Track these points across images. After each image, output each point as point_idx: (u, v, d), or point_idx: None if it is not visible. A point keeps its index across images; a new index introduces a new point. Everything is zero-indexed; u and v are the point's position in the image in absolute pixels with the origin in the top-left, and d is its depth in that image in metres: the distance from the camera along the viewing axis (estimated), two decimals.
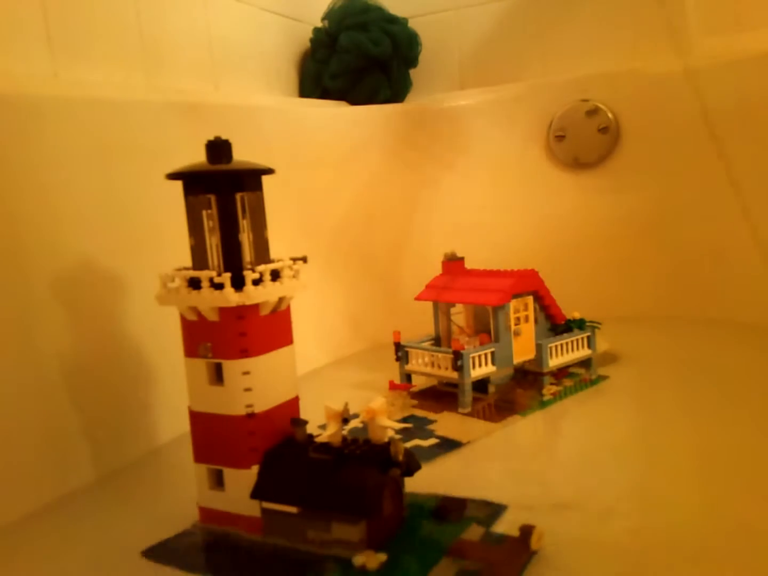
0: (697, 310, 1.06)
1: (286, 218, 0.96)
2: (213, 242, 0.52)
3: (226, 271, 0.51)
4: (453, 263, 0.86)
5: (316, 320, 1.00)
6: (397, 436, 0.53)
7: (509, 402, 0.78)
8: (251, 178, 0.53)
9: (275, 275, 0.53)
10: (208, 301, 0.50)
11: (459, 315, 0.85)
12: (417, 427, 0.73)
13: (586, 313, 0.86)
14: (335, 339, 1.04)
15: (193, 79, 1.00)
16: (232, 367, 0.51)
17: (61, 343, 0.65)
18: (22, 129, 0.64)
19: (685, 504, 0.54)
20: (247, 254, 0.53)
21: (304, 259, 0.56)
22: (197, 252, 0.53)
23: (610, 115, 1.14)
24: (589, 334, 0.85)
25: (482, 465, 0.64)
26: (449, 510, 0.53)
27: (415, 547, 0.49)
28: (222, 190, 0.51)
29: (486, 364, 0.77)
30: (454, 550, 0.48)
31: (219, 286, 0.50)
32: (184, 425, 0.54)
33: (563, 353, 0.83)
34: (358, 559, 0.47)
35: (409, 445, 0.67)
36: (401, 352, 0.83)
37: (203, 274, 0.50)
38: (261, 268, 0.51)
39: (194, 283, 0.51)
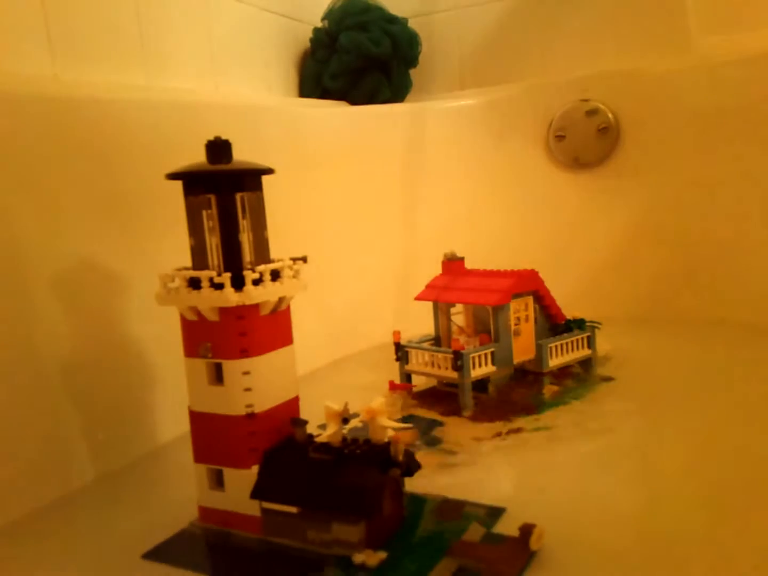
0: (697, 310, 1.06)
1: (286, 218, 0.96)
2: (213, 242, 0.52)
3: (226, 271, 0.51)
4: (453, 263, 0.86)
5: (316, 320, 1.00)
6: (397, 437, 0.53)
7: (509, 402, 0.78)
8: (251, 178, 0.53)
9: (275, 275, 0.53)
10: (208, 301, 0.50)
11: (459, 315, 0.85)
12: (417, 427, 0.73)
13: (586, 313, 0.86)
14: (335, 339, 1.04)
15: (193, 79, 1.00)
16: (232, 367, 0.51)
17: (61, 343, 0.65)
18: (22, 129, 0.64)
19: (685, 504, 0.54)
20: (247, 254, 0.53)
21: (304, 259, 0.56)
22: (197, 252, 0.53)
23: (610, 115, 1.14)
24: (589, 334, 0.85)
25: (482, 465, 0.64)
26: (449, 510, 0.53)
27: (415, 546, 0.49)
28: (222, 190, 0.51)
29: (486, 364, 0.77)
30: (454, 550, 0.48)
31: (219, 286, 0.50)
32: (184, 425, 0.54)
33: (563, 353, 0.83)
34: (358, 557, 0.47)
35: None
36: (401, 352, 0.83)
37: (203, 274, 0.50)
38: (261, 268, 0.51)
39: (194, 283, 0.51)
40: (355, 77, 1.27)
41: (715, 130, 1.05)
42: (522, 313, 0.81)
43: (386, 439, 0.51)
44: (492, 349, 0.78)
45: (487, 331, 0.80)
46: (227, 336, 0.51)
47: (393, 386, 0.85)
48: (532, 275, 0.81)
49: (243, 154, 0.54)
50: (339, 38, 1.25)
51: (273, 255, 0.55)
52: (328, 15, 1.29)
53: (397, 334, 0.83)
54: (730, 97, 1.04)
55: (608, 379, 0.84)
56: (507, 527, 0.51)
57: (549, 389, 0.80)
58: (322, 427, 0.53)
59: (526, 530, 0.48)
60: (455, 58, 1.37)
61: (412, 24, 1.32)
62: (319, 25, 1.30)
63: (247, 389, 0.51)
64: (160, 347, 0.72)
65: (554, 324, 0.85)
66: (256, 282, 0.51)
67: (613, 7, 1.22)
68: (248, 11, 1.14)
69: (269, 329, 0.53)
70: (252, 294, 0.50)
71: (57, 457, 0.64)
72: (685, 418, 0.71)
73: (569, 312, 0.86)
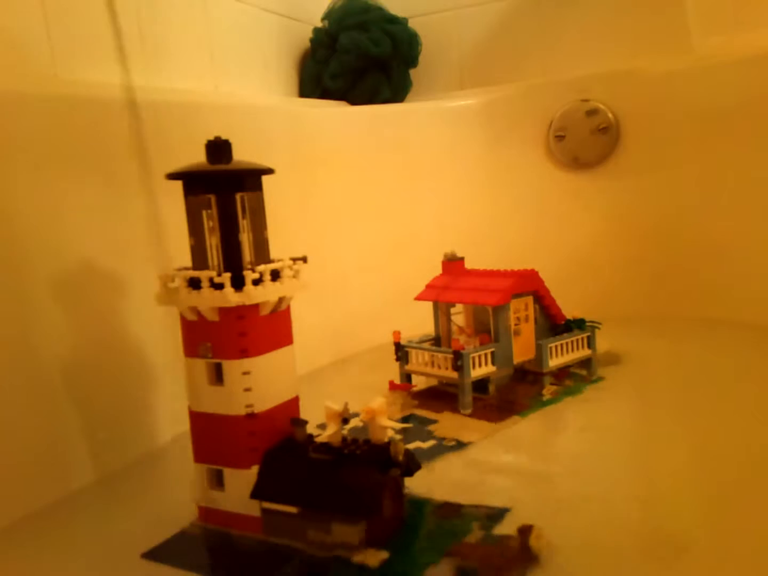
0: (697, 310, 1.06)
1: (286, 218, 0.96)
2: (213, 242, 0.52)
3: (226, 271, 0.51)
4: (453, 263, 0.86)
5: (317, 320, 1.00)
6: (398, 436, 0.53)
7: (509, 402, 0.78)
8: (251, 178, 0.53)
9: (275, 275, 0.53)
10: (208, 301, 0.50)
11: (459, 315, 0.85)
12: (417, 427, 0.73)
13: (586, 313, 0.86)
14: (335, 339, 1.04)
15: (193, 79, 1.00)
16: (232, 367, 0.51)
17: (61, 343, 0.65)
18: (22, 129, 0.64)
19: (685, 504, 0.54)
20: (247, 254, 0.53)
21: (304, 259, 0.56)
22: (197, 252, 0.53)
23: (610, 115, 1.14)
24: (589, 334, 0.85)
25: (482, 465, 0.64)
26: (449, 510, 0.53)
27: (415, 547, 0.49)
28: (222, 190, 0.51)
29: (486, 364, 0.77)
30: (453, 550, 0.48)
31: (219, 286, 0.50)
32: (184, 425, 0.54)
33: (563, 353, 0.83)
34: (358, 557, 0.47)
35: (409, 445, 0.67)
36: (401, 352, 0.83)
37: (203, 274, 0.50)
38: (261, 268, 0.51)
39: (194, 283, 0.51)
40: (355, 77, 1.27)
41: (715, 130, 1.05)
42: (522, 313, 0.81)
43: (386, 439, 0.51)
44: (492, 349, 0.78)
45: (487, 331, 0.80)
46: (227, 336, 0.51)
47: (393, 386, 0.85)
48: (532, 275, 0.81)
49: (243, 154, 0.54)
50: (339, 38, 1.25)
51: (273, 255, 0.55)
52: (328, 15, 1.29)
53: (397, 334, 0.83)
54: (730, 97, 1.03)
55: (608, 379, 0.84)
56: (506, 526, 0.51)
57: (549, 389, 0.80)
58: (322, 427, 0.53)
59: (526, 530, 0.48)
60: (455, 58, 1.37)
61: (412, 24, 1.32)
62: (319, 25, 1.30)
63: (247, 389, 0.51)
64: (160, 347, 0.72)
65: (554, 324, 0.85)
66: (256, 282, 0.51)
67: (613, 7, 1.22)
68: (248, 11, 1.14)
69: (269, 329, 0.53)
70: (252, 294, 0.50)
71: (57, 457, 0.64)
72: (685, 418, 0.71)
73: (569, 312, 0.86)
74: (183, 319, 0.53)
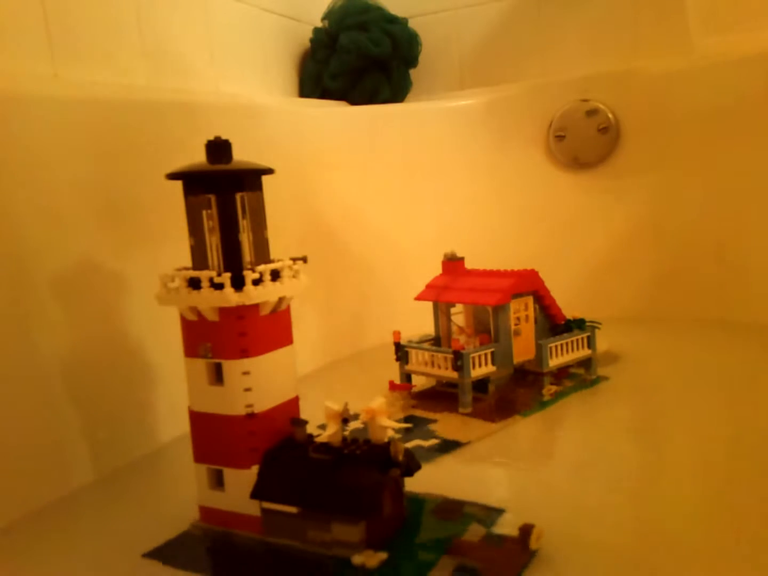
0: (697, 310, 1.06)
1: (286, 218, 0.96)
2: (213, 242, 0.52)
3: (226, 271, 0.51)
4: (453, 263, 0.86)
5: (316, 320, 1.00)
6: (398, 436, 0.53)
7: (509, 402, 0.78)
8: (251, 178, 0.53)
9: (275, 275, 0.53)
10: (208, 301, 0.50)
11: (459, 315, 0.85)
12: (417, 427, 0.73)
13: (586, 313, 0.86)
14: (335, 339, 1.04)
15: (193, 79, 1.00)
16: (232, 367, 0.51)
17: (61, 343, 0.65)
18: (22, 129, 0.64)
19: (685, 504, 0.54)
20: (247, 254, 0.53)
21: (304, 259, 0.56)
22: (197, 252, 0.53)
23: (610, 115, 1.14)
24: (589, 334, 0.85)
25: (482, 465, 0.64)
26: (449, 510, 0.53)
27: (415, 546, 0.49)
28: (222, 190, 0.51)
29: (486, 364, 0.77)
30: (454, 550, 0.48)
31: (219, 286, 0.50)
32: (184, 425, 0.54)
33: (563, 353, 0.83)
34: (358, 558, 0.47)
35: (409, 445, 0.67)
36: (401, 352, 0.83)
37: (203, 274, 0.50)
38: (261, 268, 0.51)
39: (194, 283, 0.51)
40: (355, 77, 1.27)
41: (715, 130, 1.05)
42: (522, 313, 0.81)
43: (386, 439, 0.51)
44: (492, 349, 0.78)
45: (487, 331, 0.80)
46: (227, 336, 0.51)
47: (393, 386, 0.85)
48: (532, 275, 0.81)
49: (243, 154, 0.54)
50: (339, 38, 1.25)
51: (273, 255, 0.55)
52: (328, 15, 1.29)
53: (397, 334, 0.83)
54: (730, 97, 1.04)
55: (608, 378, 0.84)
56: (507, 526, 0.51)
57: (549, 389, 0.80)
58: (322, 427, 0.53)
59: (526, 530, 0.48)
60: (455, 58, 1.37)
61: (412, 24, 1.32)
62: (319, 25, 1.30)
63: (247, 389, 0.51)
64: (160, 347, 0.72)
65: (554, 324, 0.85)
66: (256, 282, 0.51)
67: (613, 7, 1.22)
68: (248, 11, 1.14)
69: (269, 329, 0.53)
70: (252, 294, 0.50)
71: (57, 457, 0.64)
72: (685, 418, 0.71)
73: (569, 312, 0.86)
74: (183, 319, 0.53)
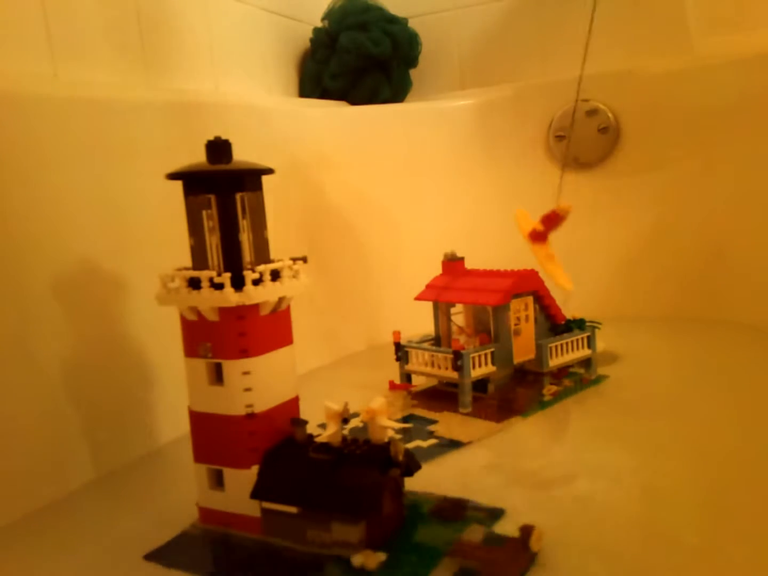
0: (697, 310, 1.06)
1: (286, 218, 0.96)
2: (213, 242, 0.52)
3: (226, 271, 0.51)
4: (453, 263, 0.86)
5: (316, 320, 1.00)
6: (398, 436, 0.53)
7: (509, 402, 0.78)
8: (251, 178, 0.53)
9: (275, 275, 0.53)
10: (208, 301, 0.50)
11: (459, 315, 0.85)
12: (417, 427, 0.73)
13: (586, 313, 0.86)
14: (335, 339, 1.04)
15: (193, 79, 1.00)
16: (232, 367, 0.51)
17: (61, 343, 0.65)
18: (22, 129, 0.64)
19: (685, 504, 0.54)
20: (247, 254, 0.53)
21: (304, 259, 0.56)
22: (197, 252, 0.53)
23: (610, 115, 1.14)
24: (589, 334, 0.85)
25: (482, 465, 0.64)
26: (449, 510, 0.53)
27: (415, 547, 0.49)
28: (222, 190, 0.51)
29: (486, 364, 0.77)
30: (454, 551, 0.48)
31: (219, 286, 0.50)
32: (184, 425, 0.54)
33: (563, 353, 0.83)
34: (357, 559, 0.47)
35: (409, 445, 0.67)
36: (401, 352, 0.83)
37: (203, 274, 0.50)
38: (261, 268, 0.51)
39: (194, 283, 0.51)
40: (355, 77, 1.27)
41: (715, 130, 1.05)
42: (522, 313, 0.81)
43: (386, 439, 0.51)
44: (492, 349, 0.78)
45: (487, 331, 0.80)
46: (227, 336, 0.51)
47: (393, 386, 0.85)
48: (532, 275, 0.81)
49: (243, 154, 0.54)
50: (339, 38, 1.25)
51: (273, 255, 0.55)
52: (328, 15, 1.29)
53: (397, 334, 0.83)
54: (730, 97, 1.04)
55: (608, 378, 0.84)
56: (507, 526, 0.51)
57: (549, 389, 0.80)
58: (322, 427, 0.53)
59: (527, 531, 0.48)
60: (455, 58, 1.37)
61: (412, 24, 1.32)
62: (319, 25, 1.30)
63: (247, 389, 0.51)
64: (160, 347, 0.72)
65: (554, 324, 0.85)
66: (256, 282, 0.51)
67: (612, 7, 1.22)
68: (248, 11, 1.14)
69: (269, 329, 0.53)
70: (252, 294, 0.50)
71: (57, 457, 0.64)
72: (685, 418, 0.71)
73: (569, 312, 0.86)
74: (183, 319, 0.53)
